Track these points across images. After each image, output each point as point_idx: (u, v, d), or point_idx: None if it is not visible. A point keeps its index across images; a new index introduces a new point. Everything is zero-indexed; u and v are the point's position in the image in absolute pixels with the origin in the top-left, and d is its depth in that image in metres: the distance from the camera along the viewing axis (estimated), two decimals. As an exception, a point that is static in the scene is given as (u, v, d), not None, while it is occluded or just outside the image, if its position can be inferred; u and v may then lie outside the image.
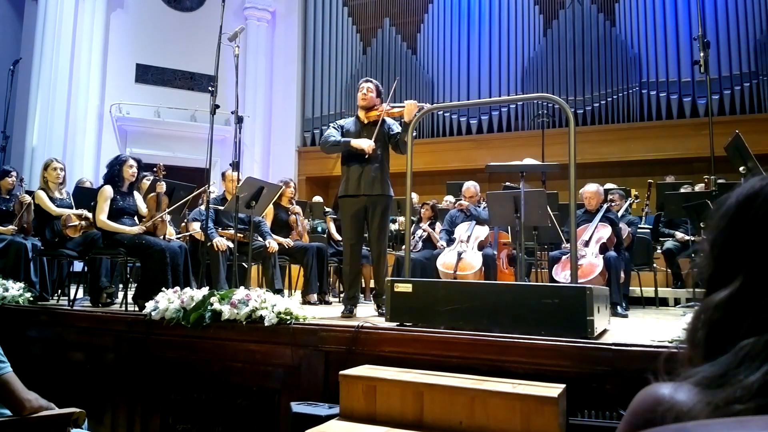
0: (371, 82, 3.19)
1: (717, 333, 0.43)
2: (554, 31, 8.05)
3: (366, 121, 3.11)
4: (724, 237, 0.45)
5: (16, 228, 3.86)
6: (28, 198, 3.92)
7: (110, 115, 8.28)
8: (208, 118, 3.22)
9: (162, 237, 3.46)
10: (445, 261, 4.06)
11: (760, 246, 0.42)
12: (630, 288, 4.02)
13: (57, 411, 1.55)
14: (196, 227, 4.07)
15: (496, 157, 5.89)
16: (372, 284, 3.90)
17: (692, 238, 4.40)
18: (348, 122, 3.21)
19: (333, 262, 4.66)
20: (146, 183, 4.04)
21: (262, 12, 9.22)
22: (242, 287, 2.69)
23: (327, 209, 5.35)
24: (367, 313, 3.09)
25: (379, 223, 3.08)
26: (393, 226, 4.99)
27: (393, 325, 2.32)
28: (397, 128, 3.11)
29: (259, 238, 3.97)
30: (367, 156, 3.00)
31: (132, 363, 2.80)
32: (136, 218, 3.50)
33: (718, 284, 0.44)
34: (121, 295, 3.65)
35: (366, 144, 2.97)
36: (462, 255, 4.00)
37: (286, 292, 4.17)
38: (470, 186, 4.56)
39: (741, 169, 3.15)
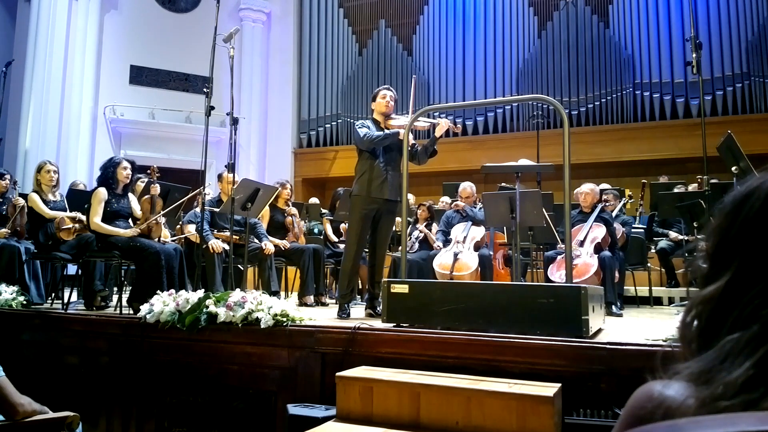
0: (392, 90, 3.31)
1: (706, 328, 0.43)
2: (549, 32, 8.09)
3: (386, 128, 3.22)
4: (719, 234, 0.46)
5: (10, 231, 3.83)
6: (21, 201, 3.89)
7: (104, 116, 8.24)
8: (203, 120, 3.21)
9: (157, 239, 3.44)
10: (441, 262, 4.06)
11: (750, 242, 0.43)
12: (624, 287, 4.05)
13: (51, 415, 1.54)
14: (191, 229, 4.05)
15: (491, 158, 5.91)
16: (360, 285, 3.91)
17: (686, 238, 4.43)
18: (371, 125, 3.22)
19: (330, 263, 4.65)
20: (141, 185, 4.02)
21: (257, 13, 9.21)
22: (238, 289, 2.68)
23: (323, 211, 5.35)
24: (362, 315, 3.09)
25: (388, 227, 3.19)
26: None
27: (389, 325, 2.32)
28: (411, 139, 3.21)
29: (255, 240, 3.96)
30: (403, 138, 3.09)
31: (127, 366, 2.78)
32: (130, 221, 3.48)
33: (712, 281, 0.45)
34: (115, 298, 3.63)
35: (411, 137, 3.09)
36: (458, 256, 4.01)
37: (282, 293, 4.17)
38: (466, 186, 4.57)
39: (733, 169, 3.18)
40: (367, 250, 3.41)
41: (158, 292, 2.79)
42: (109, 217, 3.34)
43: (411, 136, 3.13)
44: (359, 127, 3.16)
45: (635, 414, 0.42)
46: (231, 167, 3.29)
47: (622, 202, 4.70)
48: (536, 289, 2.21)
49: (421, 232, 4.64)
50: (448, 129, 3.14)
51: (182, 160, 7.90)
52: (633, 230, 4.41)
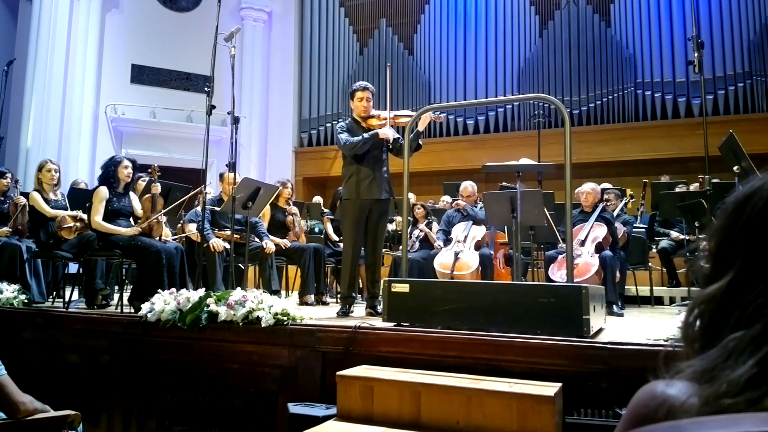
0: (369, 88, 3.23)
1: (709, 327, 0.43)
2: (550, 31, 8.08)
3: (367, 127, 3.18)
4: (721, 234, 0.46)
5: (11, 230, 3.84)
6: (23, 200, 3.89)
7: (105, 115, 8.24)
8: (204, 119, 3.21)
9: (158, 238, 3.45)
10: (442, 261, 4.06)
11: (752, 242, 0.43)
12: (625, 287, 4.04)
13: (52, 413, 1.54)
14: (192, 228, 4.06)
15: (492, 158, 5.90)
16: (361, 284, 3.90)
17: (687, 238, 4.42)
18: (352, 126, 3.20)
19: (330, 262, 4.65)
20: (142, 184, 4.02)
21: (258, 12, 9.21)
22: (239, 288, 2.68)
23: (324, 210, 5.35)
24: (362, 314, 3.09)
25: (381, 226, 3.17)
26: (390, 227, 4.99)
27: (390, 325, 2.32)
28: (395, 133, 3.20)
29: (256, 239, 3.96)
30: (388, 143, 3.09)
31: (128, 365, 2.79)
32: (131, 219, 3.49)
33: (714, 281, 0.45)
34: (116, 296, 3.64)
35: (391, 133, 3.09)
36: (459, 255, 4.01)
37: (283, 292, 4.17)
38: (467, 186, 4.57)
39: (735, 168, 3.18)
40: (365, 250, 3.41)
41: (159, 290, 2.79)
42: (110, 216, 3.34)
43: (393, 131, 3.13)
44: (339, 133, 3.15)
45: (638, 413, 0.42)
46: (232, 166, 3.29)
47: (623, 202, 4.70)
48: (537, 289, 2.21)
49: (421, 231, 4.64)
50: (434, 122, 3.14)
51: (183, 159, 7.91)
52: (634, 230, 4.41)
